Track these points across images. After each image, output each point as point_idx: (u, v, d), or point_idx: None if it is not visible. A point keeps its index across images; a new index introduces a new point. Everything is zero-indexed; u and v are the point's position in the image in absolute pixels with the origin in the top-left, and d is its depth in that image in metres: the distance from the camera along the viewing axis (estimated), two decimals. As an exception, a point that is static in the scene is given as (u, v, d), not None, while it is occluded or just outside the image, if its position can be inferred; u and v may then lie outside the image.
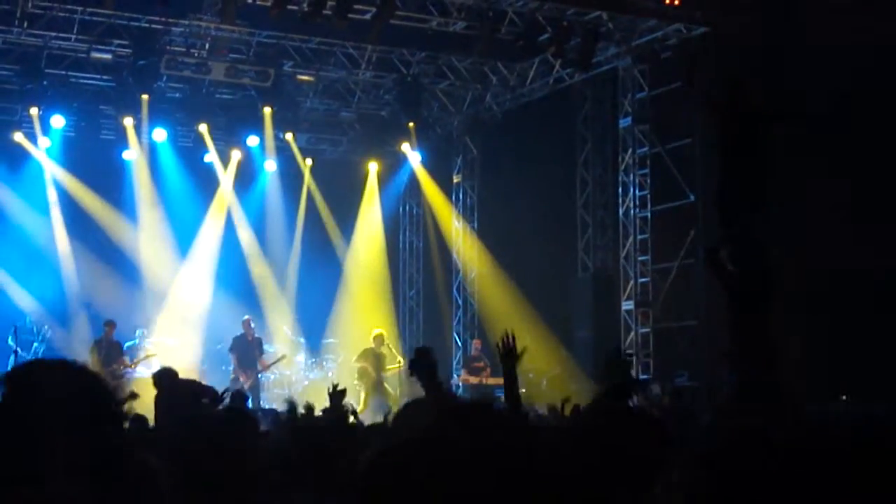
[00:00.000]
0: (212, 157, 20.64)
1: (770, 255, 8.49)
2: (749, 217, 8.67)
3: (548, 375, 18.25)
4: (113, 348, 17.48)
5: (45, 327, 18.67)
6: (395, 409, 14.78)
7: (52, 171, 19.68)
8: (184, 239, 20.52)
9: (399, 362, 18.68)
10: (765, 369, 7.59)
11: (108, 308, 18.79)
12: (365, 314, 21.28)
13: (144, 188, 20.25)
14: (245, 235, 21.25)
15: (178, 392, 11.46)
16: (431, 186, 21.95)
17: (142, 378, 17.64)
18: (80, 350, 17.56)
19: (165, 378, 11.97)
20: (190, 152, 20.61)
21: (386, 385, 18.19)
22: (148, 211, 20.30)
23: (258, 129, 20.10)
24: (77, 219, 19.82)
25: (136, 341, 18.84)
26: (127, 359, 17.71)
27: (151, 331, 19.20)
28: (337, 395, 7.46)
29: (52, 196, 19.71)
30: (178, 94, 19.62)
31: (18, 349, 16.76)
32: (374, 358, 18.26)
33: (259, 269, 21.30)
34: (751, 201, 8.73)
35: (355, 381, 17.91)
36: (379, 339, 18.56)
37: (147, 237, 20.32)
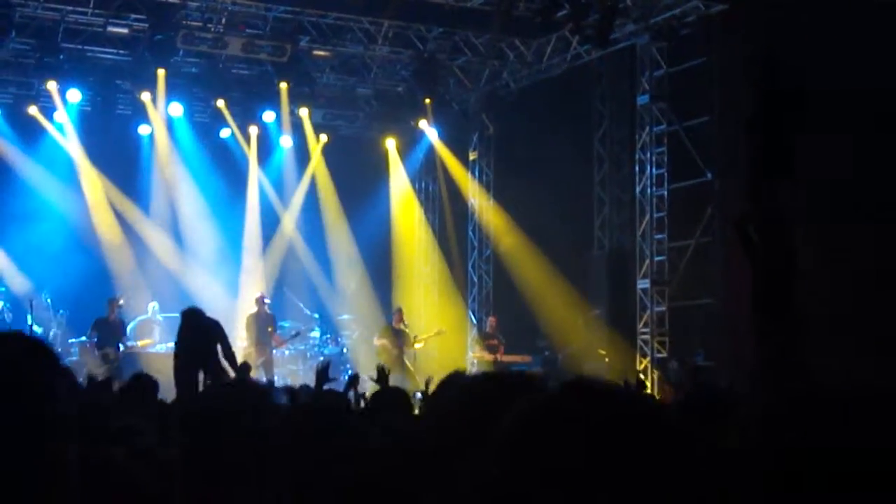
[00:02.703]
0: (231, 132, 20.64)
1: (795, 232, 8.44)
2: (776, 192, 8.60)
3: (565, 352, 18.24)
4: (115, 327, 17.44)
5: (50, 300, 18.69)
6: (414, 386, 14.80)
7: (68, 145, 19.69)
8: (198, 213, 20.51)
9: (415, 338, 18.67)
10: (790, 347, 7.56)
11: (121, 281, 18.83)
12: (380, 291, 21.32)
13: (161, 162, 20.26)
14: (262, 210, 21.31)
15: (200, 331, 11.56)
16: (448, 163, 21.90)
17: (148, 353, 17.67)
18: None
19: (191, 317, 12.01)
20: (206, 127, 20.60)
21: (406, 362, 18.18)
22: (164, 185, 20.33)
23: (274, 104, 20.06)
24: (92, 192, 19.86)
25: (149, 315, 18.87)
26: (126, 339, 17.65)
27: (164, 305, 19.23)
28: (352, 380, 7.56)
29: (68, 169, 19.73)
30: (194, 69, 19.57)
31: (34, 325, 16.83)
32: (394, 334, 18.25)
33: (274, 244, 21.33)
34: (778, 176, 8.66)
35: (377, 360, 17.92)
36: (398, 314, 18.58)
37: (162, 211, 20.35)
